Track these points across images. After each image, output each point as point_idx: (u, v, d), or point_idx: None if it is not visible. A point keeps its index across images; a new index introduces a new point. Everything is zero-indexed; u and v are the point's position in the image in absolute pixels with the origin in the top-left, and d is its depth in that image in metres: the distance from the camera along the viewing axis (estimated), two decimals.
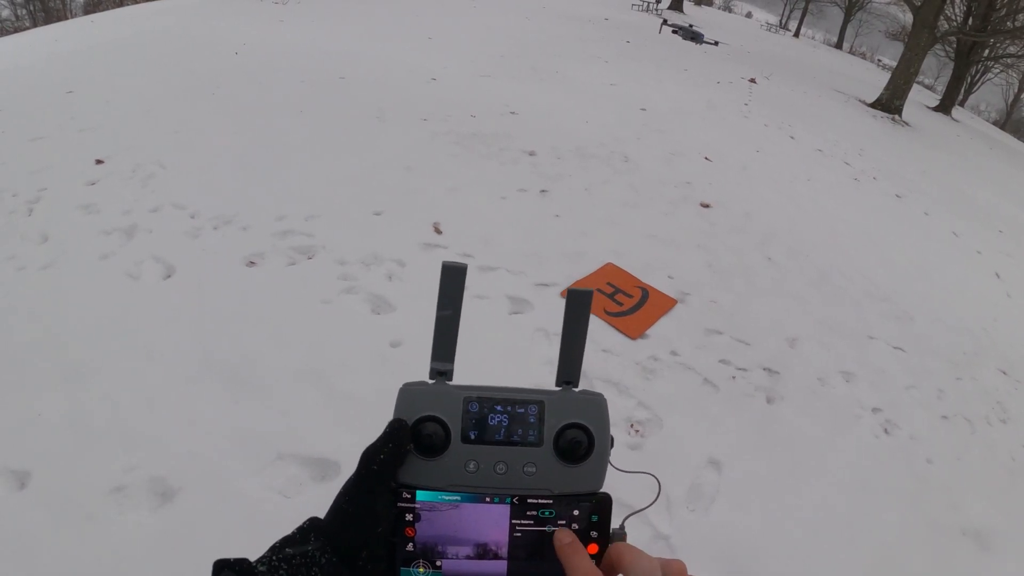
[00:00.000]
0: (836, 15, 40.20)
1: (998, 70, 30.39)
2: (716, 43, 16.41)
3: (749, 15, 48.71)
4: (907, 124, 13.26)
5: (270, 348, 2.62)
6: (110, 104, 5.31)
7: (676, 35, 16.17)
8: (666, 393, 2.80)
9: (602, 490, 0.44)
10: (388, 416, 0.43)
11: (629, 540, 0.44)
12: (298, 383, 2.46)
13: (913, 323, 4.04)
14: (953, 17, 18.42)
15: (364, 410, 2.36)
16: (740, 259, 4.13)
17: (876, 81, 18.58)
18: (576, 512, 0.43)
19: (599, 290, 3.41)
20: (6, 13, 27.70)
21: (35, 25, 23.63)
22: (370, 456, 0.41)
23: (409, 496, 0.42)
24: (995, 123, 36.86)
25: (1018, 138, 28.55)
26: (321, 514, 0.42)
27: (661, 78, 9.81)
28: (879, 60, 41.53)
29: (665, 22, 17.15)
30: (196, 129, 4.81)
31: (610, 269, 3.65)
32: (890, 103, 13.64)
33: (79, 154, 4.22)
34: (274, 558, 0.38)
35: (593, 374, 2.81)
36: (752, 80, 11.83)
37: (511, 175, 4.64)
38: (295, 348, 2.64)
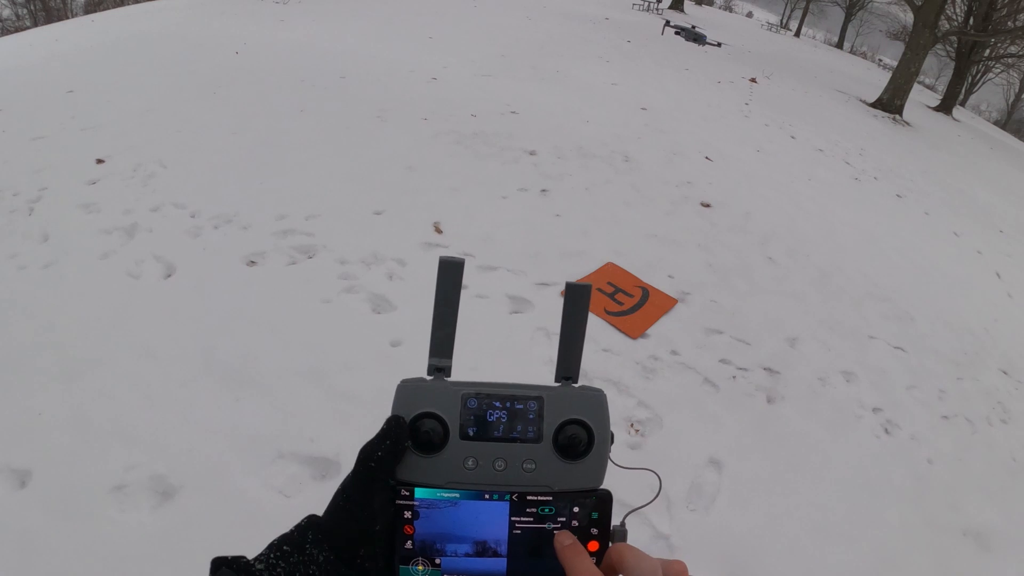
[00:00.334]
0: (837, 15, 40.18)
1: (999, 70, 30.36)
2: (719, 44, 16.39)
3: (750, 15, 48.66)
4: (908, 124, 13.24)
5: (270, 347, 2.62)
6: (111, 103, 5.32)
7: (679, 36, 16.14)
8: (666, 393, 2.80)
9: (602, 487, 0.44)
10: (388, 415, 0.43)
11: (629, 539, 0.44)
12: (298, 382, 2.46)
13: (914, 323, 4.04)
14: (954, 17, 18.40)
15: (364, 409, 2.36)
16: (740, 259, 4.13)
17: (877, 81, 18.56)
18: (576, 509, 0.43)
19: (599, 290, 3.41)
20: (7, 12, 27.72)
21: (36, 25, 23.65)
22: (368, 453, 0.41)
23: (407, 493, 0.42)
24: (996, 123, 36.81)
25: (1019, 138, 28.52)
26: (320, 512, 0.42)
27: (662, 78, 9.80)
28: (880, 60, 41.48)
29: (668, 23, 17.11)
30: (197, 128, 4.81)
31: (610, 268, 3.65)
32: (891, 103, 13.63)
33: (80, 153, 4.23)
34: (272, 556, 0.38)
35: (593, 373, 2.81)
36: (753, 80, 11.83)
37: (512, 175, 4.64)
38: (295, 347, 2.64)
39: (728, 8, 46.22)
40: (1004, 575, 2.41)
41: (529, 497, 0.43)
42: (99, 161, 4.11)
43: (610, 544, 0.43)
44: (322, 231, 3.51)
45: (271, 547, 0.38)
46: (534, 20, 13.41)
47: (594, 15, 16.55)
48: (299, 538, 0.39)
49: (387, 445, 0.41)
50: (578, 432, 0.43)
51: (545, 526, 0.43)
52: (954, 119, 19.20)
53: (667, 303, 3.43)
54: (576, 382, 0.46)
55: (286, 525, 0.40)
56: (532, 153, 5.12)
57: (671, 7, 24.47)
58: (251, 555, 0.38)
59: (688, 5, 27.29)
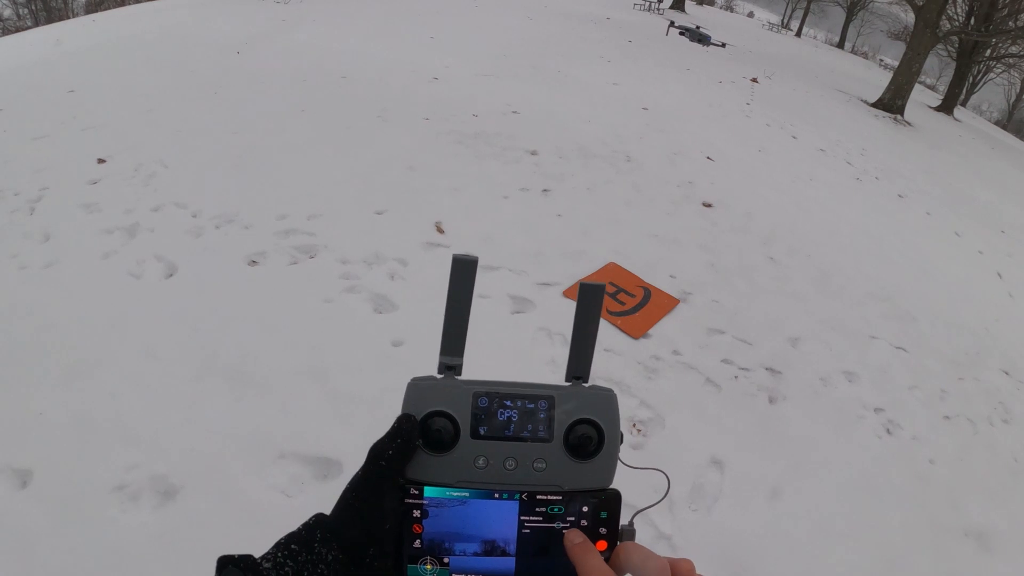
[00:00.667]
0: (838, 15, 40.13)
1: (1000, 70, 30.31)
2: (723, 45, 16.37)
3: (751, 15, 48.64)
4: (909, 124, 13.23)
5: (272, 347, 2.62)
6: (112, 103, 5.32)
7: (683, 36, 16.12)
8: (668, 393, 2.80)
9: (611, 486, 0.44)
10: (390, 416, 0.43)
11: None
12: (300, 382, 2.46)
13: (915, 323, 4.03)
14: (955, 17, 18.37)
15: (366, 409, 2.35)
16: (742, 259, 4.13)
17: (878, 81, 18.54)
18: (585, 508, 0.43)
19: None
20: (8, 12, 27.74)
21: (37, 24, 23.66)
22: (378, 452, 0.41)
23: (417, 492, 0.42)
24: (997, 123, 36.78)
25: (1020, 138, 28.47)
26: (324, 511, 0.42)
27: (663, 78, 9.79)
28: (881, 60, 41.45)
29: (672, 24, 17.09)
30: (198, 128, 4.81)
31: (612, 268, 3.65)
32: (892, 103, 13.62)
33: (81, 153, 4.23)
34: (279, 555, 0.37)
35: (595, 373, 2.79)
36: (754, 80, 11.82)
37: (513, 174, 4.64)
38: (297, 347, 2.64)
39: (729, 8, 46.20)
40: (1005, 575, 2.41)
41: (539, 496, 0.42)
42: (100, 161, 4.11)
43: (618, 543, 0.43)
44: (323, 231, 3.50)
45: (278, 546, 0.38)
46: (535, 20, 13.41)
47: (595, 15, 16.54)
48: (307, 537, 0.39)
49: (398, 444, 0.41)
50: (589, 432, 0.43)
51: (554, 525, 0.42)
52: (955, 119, 19.18)
53: (669, 303, 3.43)
54: (587, 382, 0.46)
55: (288, 525, 0.40)
56: (533, 153, 5.11)
57: (672, 7, 24.45)
58: (255, 555, 0.38)
59: (689, 5, 27.27)
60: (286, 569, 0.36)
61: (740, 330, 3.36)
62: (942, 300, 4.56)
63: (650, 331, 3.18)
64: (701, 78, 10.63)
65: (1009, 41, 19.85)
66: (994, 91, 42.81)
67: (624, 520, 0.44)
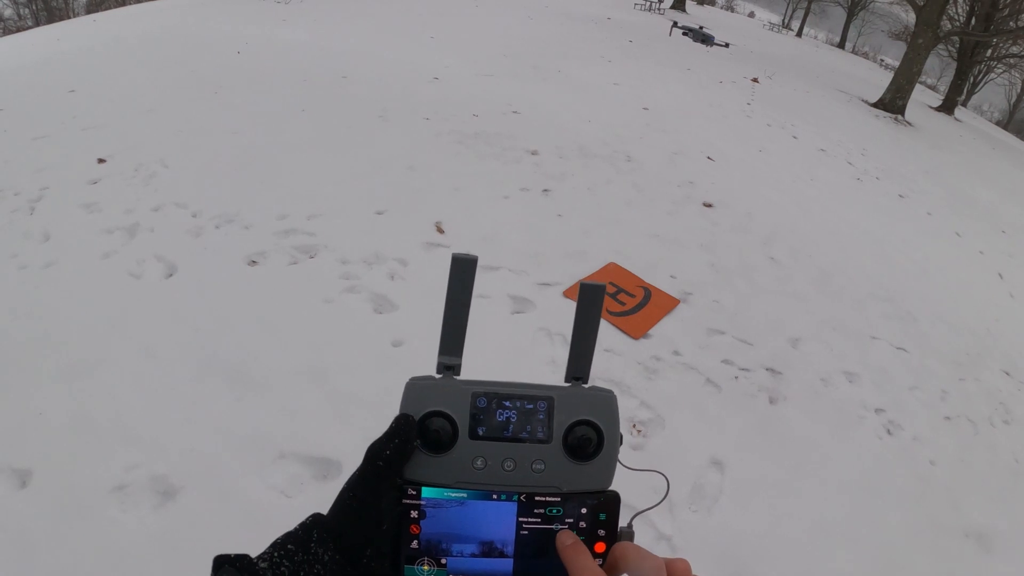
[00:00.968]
0: (839, 15, 40.10)
1: (1001, 70, 30.30)
2: (727, 45, 16.37)
3: (751, 15, 48.61)
4: (910, 124, 13.22)
5: (271, 347, 2.62)
6: (112, 103, 5.32)
7: (687, 37, 16.11)
8: (668, 393, 2.79)
9: (610, 488, 0.44)
10: (390, 416, 0.42)
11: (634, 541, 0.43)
12: (299, 382, 2.46)
13: (916, 323, 4.03)
14: (956, 17, 18.37)
15: (366, 409, 2.35)
16: (743, 259, 4.12)
17: (879, 81, 18.53)
18: (584, 510, 0.42)
19: None
20: (9, 12, 27.76)
21: (38, 24, 23.68)
22: (376, 452, 0.40)
23: (414, 493, 0.41)
24: (998, 123, 36.73)
25: (1021, 138, 28.44)
26: (323, 512, 0.41)
27: (664, 78, 9.79)
28: (882, 60, 41.41)
29: (676, 24, 17.09)
30: (198, 128, 4.81)
31: (613, 269, 3.64)
32: (893, 103, 13.61)
33: (81, 153, 4.23)
34: (276, 555, 0.37)
35: (595, 374, 2.79)
36: (755, 80, 11.81)
37: (513, 174, 4.64)
38: (297, 347, 2.64)
39: (730, 8, 46.17)
40: None
41: (537, 498, 0.42)
42: (100, 161, 4.11)
43: (615, 544, 0.43)
44: (323, 231, 3.50)
45: (275, 546, 0.38)
46: (536, 20, 13.41)
47: (596, 15, 16.54)
48: (304, 537, 0.38)
49: (396, 444, 0.41)
50: (588, 433, 0.43)
51: (552, 527, 0.42)
52: (956, 119, 19.16)
53: (669, 303, 3.43)
54: (586, 382, 0.46)
55: (287, 525, 0.40)
56: (534, 153, 5.11)
57: (673, 7, 24.45)
58: (253, 555, 0.37)
59: (690, 5, 27.26)
60: (282, 569, 0.36)
61: (740, 330, 3.35)
62: (943, 300, 4.56)
63: (650, 331, 3.18)
64: (702, 78, 10.63)
65: (1010, 41, 19.84)
66: (995, 91, 42.78)
67: (623, 522, 0.43)
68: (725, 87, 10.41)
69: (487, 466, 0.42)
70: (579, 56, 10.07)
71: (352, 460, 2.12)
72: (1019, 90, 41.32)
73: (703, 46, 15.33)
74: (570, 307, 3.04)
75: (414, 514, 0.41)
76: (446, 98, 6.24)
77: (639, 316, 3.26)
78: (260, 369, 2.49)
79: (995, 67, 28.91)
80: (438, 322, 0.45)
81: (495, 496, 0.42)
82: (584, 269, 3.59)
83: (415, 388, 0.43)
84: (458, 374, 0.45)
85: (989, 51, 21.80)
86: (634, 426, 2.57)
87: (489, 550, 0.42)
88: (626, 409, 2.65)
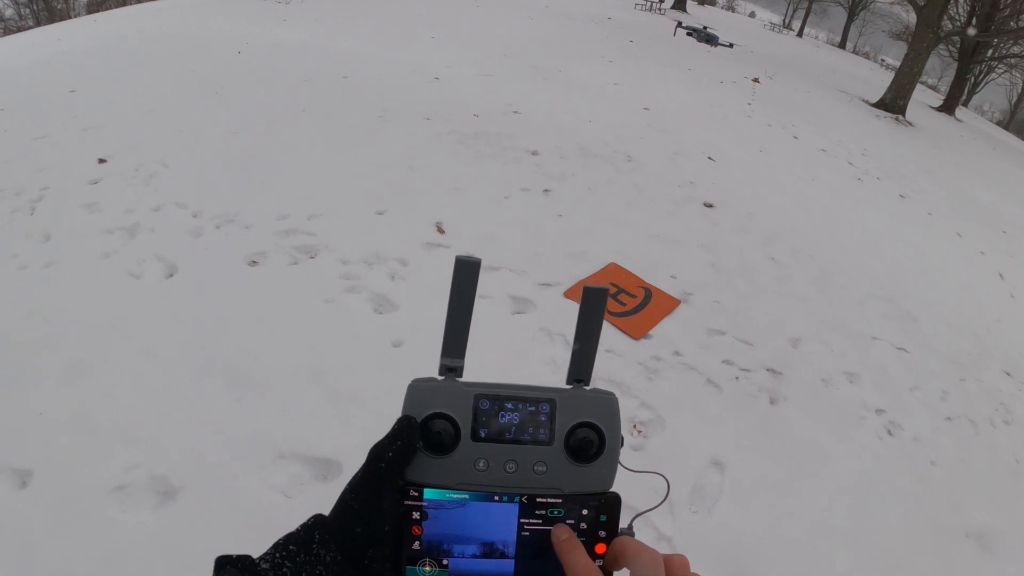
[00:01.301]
0: (839, 15, 40.10)
1: (1002, 70, 30.28)
2: (731, 45, 16.37)
3: (752, 15, 48.62)
4: (910, 124, 13.22)
5: (272, 347, 2.62)
6: (113, 103, 5.32)
7: (691, 37, 16.11)
8: (669, 394, 2.79)
9: (611, 490, 0.44)
10: (390, 416, 0.42)
11: None
12: (300, 382, 2.46)
13: (917, 324, 4.03)
14: (957, 17, 18.36)
15: (366, 410, 2.35)
16: (743, 259, 4.12)
17: (879, 81, 18.52)
18: (585, 511, 0.43)
19: None
20: (9, 12, 27.77)
21: (39, 24, 23.69)
22: (378, 453, 0.40)
23: (416, 494, 0.42)
24: (999, 123, 36.73)
25: (1021, 138, 28.44)
26: (324, 512, 0.41)
27: (665, 78, 9.79)
28: (882, 60, 41.39)
29: (680, 24, 17.10)
30: (198, 128, 4.81)
31: (613, 269, 3.64)
32: (893, 103, 13.60)
33: (82, 153, 4.23)
34: (278, 555, 0.37)
35: (596, 374, 2.79)
36: (755, 80, 11.81)
37: (514, 174, 4.64)
38: (297, 347, 2.64)
39: (730, 8, 46.17)
40: None
41: (539, 499, 0.42)
42: (101, 161, 4.11)
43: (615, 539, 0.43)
44: (324, 231, 3.50)
45: (276, 546, 0.38)
46: (536, 20, 13.41)
47: (596, 15, 16.54)
48: (306, 538, 0.38)
49: (398, 446, 0.41)
50: (590, 435, 0.43)
51: (554, 528, 0.42)
52: (957, 119, 19.15)
53: (670, 303, 3.43)
54: (588, 385, 0.46)
55: (287, 526, 0.40)
56: (534, 153, 5.11)
57: (674, 7, 24.45)
58: (254, 555, 0.37)
59: (690, 5, 27.26)
60: (284, 570, 0.36)
61: (741, 331, 3.35)
62: (943, 301, 4.55)
63: (651, 332, 3.18)
64: (702, 78, 10.63)
65: (1010, 41, 19.83)
66: (996, 91, 42.77)
67: (624, 523, 0.44)
68: (726, 87, 10.41)
69: (489, 468, 0.42)
70: (580, 56, 10.07)
71: (352, 460, 2.12)
72: (1020, 90, 41.32)
73: (706, 46, 15.33)
74: (571, 307, 3.04)
75: (416, 515, 0.41)
76: (446, 98, 6.24)
77: (639, 316, 3.26)
78: (260, 369, 2.49)
79: (996, 67, 28.89)
80: (439, 322, 0.45)
81: (497, 497, 0.42)
82: (585, 269, 3.59)
83: (417, 390, 0.43)
84: (460, 376, 0.45)
85: (990, 51, 21.78)
86: (634, 426, 2.57)
87: (490, 551, 0.42)
88: (626, 409, 2.65)
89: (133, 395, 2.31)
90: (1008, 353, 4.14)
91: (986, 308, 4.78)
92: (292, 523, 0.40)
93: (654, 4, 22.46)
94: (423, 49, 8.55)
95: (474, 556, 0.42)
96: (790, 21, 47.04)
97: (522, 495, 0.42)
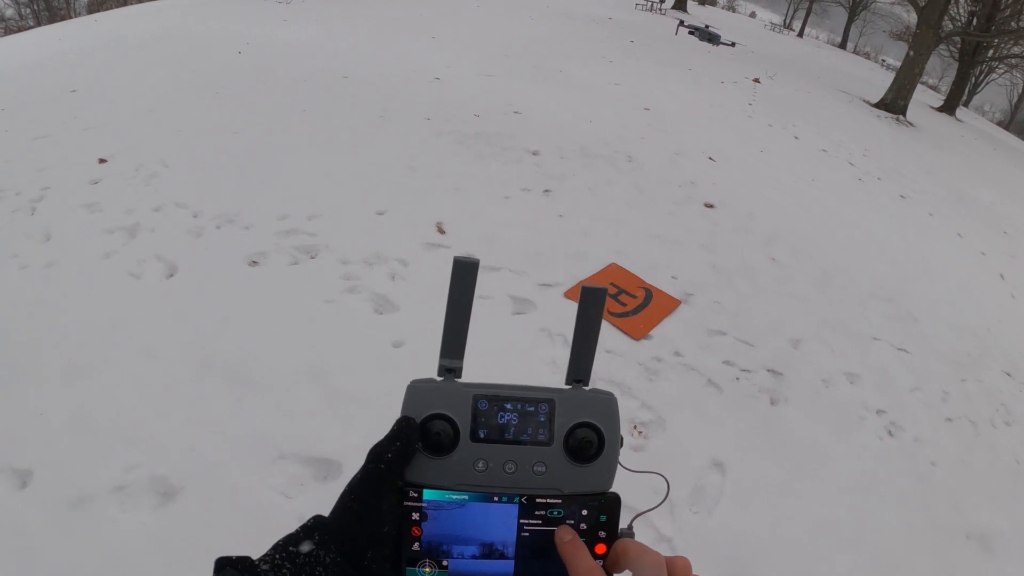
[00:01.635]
0: (840, 15, 40.09)
1: (1003, 70, 30.25)
2: (733, 44, 16.36)
3: (753, 15, 48.61)
4: (911, 124, 13.21)
5: (272, 348, 2.62)
6: (113, 103, 5.33)
7: (693, 36, 16.11)
8: (669, 394, 2.79)
9: (611, 490, 0.43)
10: (390, 416, 0.43)
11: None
12: (300, 383, 2.46)
13: (917, 324, 4.02)
14: (957, 17, 18.35)
15: (366, 410, 2.35)
16: (744, 259, 4.12)
17: (880, 81, 18.51)
18: (584, 512, 0.43)
19: None
20: (10, 12, 27.79)
21: (39, 24, 23.71)
22: (377, 454, 0.40)
23: (416, 495, 0.42)
24: (999, 124, 36.71)
25: (1022, 139, 28.43)
26: (324, 513, 0.41)
27: (665, 78, 9.79)
28: (883, 60, 41.39)
29: (682, 23, 17.11)
30: (199, 128, 4.81)
31: (614, 269, 3.64)
32: (894, 103, 13.59)
33: (82, 153, 4.23)
34: (277, 556, 0.37)
35: (596, 375, 2.80)
36: (756, 80, 11.81)
37: (514, 175, 4.64)
38: (297, 348, 2.64)
39: (731, 8, 46.16)
40: None
41: (539, 500, 0.42)
42: (101, 161, 4.11)
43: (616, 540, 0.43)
44: (324, 231, 3.50)
45: (276, 548, 0.38)
46: (537, 20, 13.41)
47: (597, 15, 16.54)
48: (305, 538, 0.38)
49: (397, 447, 0.41)
50: (589, 435, 0.43)
51: (553, 528, 0.42)
52: (957, 120, 19.15)
53: (670, 304, 3.42)
54: (587, 385, 0.46)
55: (287, 526, 0.40)
56: (535, 153, 5.11)
57: (674, 7, 24.45)
58: (254, 556, 0.37)
59: (691, 5, 27.26)
60: (284, 571, 0.36)
61: (742, 331, 3.35)
62: (944, 301, 4.55)
63: (651, 332, 3.18)
64: (703, 78, 10.62)
65: (1011, 41, 19.82)
66: (996, 92, 42.74)
67: (624, 523, 0.44)
68: (726, 87, 10.41)
69: (488, 468, 0.42)
70: (580, 56, 10.07)
71: (352, 461, 2.12)
72: (1020, 90, 41.29)
73: (707, 45, 15.32)
74: (571, 308, 3.04)
75: (415, 516, 0.42)
76: (447, 98, 6.24)
77: (640, 317, 3.26)
78: (260, 369, 2.49)
79: (997, 67, 28.88)
80: (439, 323, 0.45)
81: (496, 498, 0.42)
82: (585, 270, 3.59)
83: (416, 391, 0.43)
84: (459, 377, 0.45)
85: (991, 51, 21.78)
86: (635, 427, 2.57)
87: (490, 552, 0.42)
88: (627, 410, 2.64)
89: (133, 395, 2.31)
90: (1008, 354, 4.14)
91: (987, 309, 4.78)
92: (292, 523, 0.40)
93: (655, 4, 22.46)
94: (424, 49, 8.55)
95: (474, 557, 0.42)
96: (791, 21, 47.04)
97: (522, 496, 0.42)
